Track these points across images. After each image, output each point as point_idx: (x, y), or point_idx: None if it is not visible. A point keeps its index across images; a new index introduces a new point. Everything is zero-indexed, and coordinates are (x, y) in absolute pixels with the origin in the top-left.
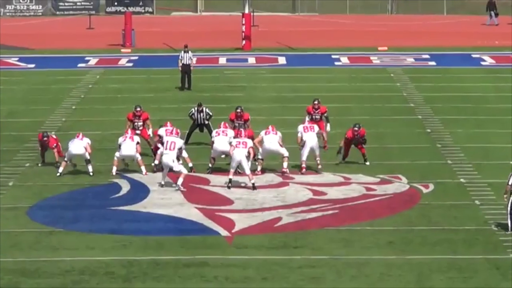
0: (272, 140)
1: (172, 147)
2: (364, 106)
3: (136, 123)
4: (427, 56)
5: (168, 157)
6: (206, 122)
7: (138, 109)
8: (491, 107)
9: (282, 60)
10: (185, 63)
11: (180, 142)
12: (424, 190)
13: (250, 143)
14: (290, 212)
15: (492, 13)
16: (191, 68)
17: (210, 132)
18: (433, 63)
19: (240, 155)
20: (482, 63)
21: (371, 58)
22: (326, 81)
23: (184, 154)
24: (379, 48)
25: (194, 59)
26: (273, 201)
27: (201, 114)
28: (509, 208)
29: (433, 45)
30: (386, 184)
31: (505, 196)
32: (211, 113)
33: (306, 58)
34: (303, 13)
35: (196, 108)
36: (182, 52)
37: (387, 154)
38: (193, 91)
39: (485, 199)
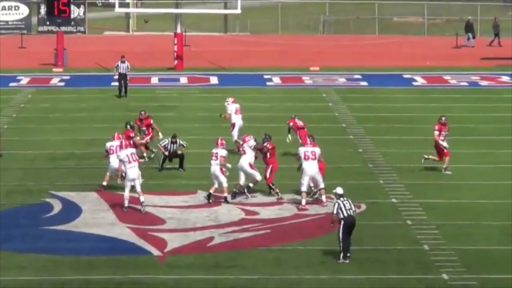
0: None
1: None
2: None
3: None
4: (359, 76)
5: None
6: (179, 152)
7: (143, 112)
8: (423, 127)
9: (214, 80)
10: (121, 72)
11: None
12: (357, 210)
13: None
14: (222, 232)
15: (470, 35)
16: (128, 77)
17: (181, 164)
18: (365, 83)
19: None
20: (414, 83)
21: (303, 78)
22: (259, 101)
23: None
24: (311, 68)
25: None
26: (206, 221)
27: (174, 146)
28: (340, 236)
29: (365, 65)
30: (318, 204)
31: (331, 225)
32: (185, 145)
33: (238, 78)
34: (235, 32)
35: (169, 139)
36: (119, 62)
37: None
38: (126, 111)
39: (417, 219)
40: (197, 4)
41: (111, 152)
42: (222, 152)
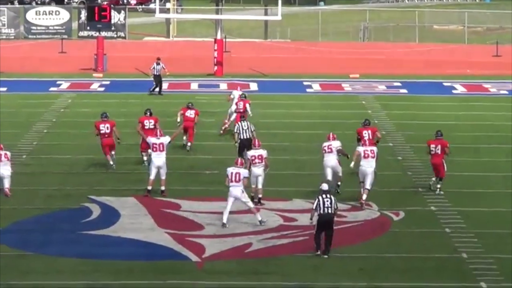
0: None
1: (237, 179)
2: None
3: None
4: (399, 84)
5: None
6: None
7: (190, 104)
8: (462, 135)
9: (254, 86)
10: (155, 74)
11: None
12: (395, 218)
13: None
14: (261, 238)
15: None
16: (162, 78)
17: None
18: (404, 90)
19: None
20: (454, 91)
21: (343, 85)
22: (298, 107)
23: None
24: (351, 75)
25: (165, 69)
26: (244, 227)
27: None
28: (314, 231)
29: (405, 73)
30: (356, 211)
31: (311, 221)
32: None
33: (278, 84)
34: (275, 39)
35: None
36: (155, 63)
37: (358, 181)
38: (165, 116)
39: (455, 227)
40: (238, 10)
41: (154, 149)
42: (264, 152)
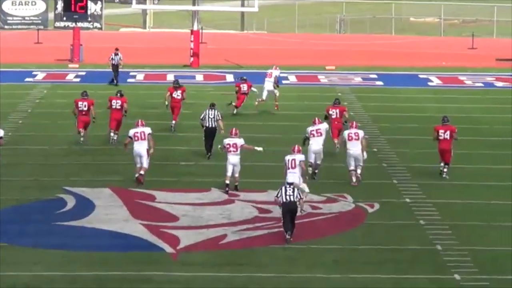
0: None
1: (293, 165)
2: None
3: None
4: (375, 76)
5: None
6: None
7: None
8: None
9: (230, 78)
10: (114, 63)
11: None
12: (370, 210)
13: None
14: (235, 230)
15: None
16: (119, 67)
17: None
18: (380, 82)
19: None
20: (429, 83)
21: (319, 77)
22: (274, 99)
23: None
24: (327, 67)
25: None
26: (219, 218)
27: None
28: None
29: (381, 64)
30: (331, 202)
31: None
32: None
33: (254, 76)
34: (252, 31)
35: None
36: (113, 54)
37: (333, 172)
38: (142, 108)
39: (430, 219)
40: (215, 2)
41: (136, 138)
42: (240, 140)
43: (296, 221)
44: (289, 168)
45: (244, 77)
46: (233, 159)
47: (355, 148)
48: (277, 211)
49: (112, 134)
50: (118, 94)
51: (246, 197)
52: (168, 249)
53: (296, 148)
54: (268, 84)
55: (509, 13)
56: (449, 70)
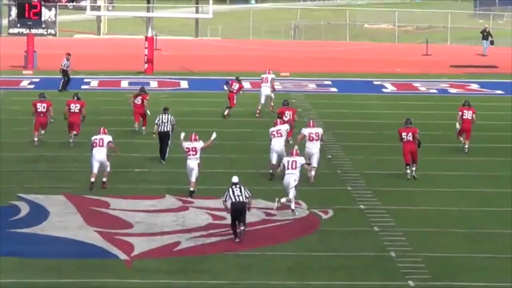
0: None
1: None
2: (263, 131)
3: None
4: (329, 82)
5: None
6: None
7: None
8: (392, 134)
9: (184, 84)
10: (64, 68)
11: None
12: (324, 216)
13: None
14: (190, 237)
15: (486, 42)
16: (68, 72)
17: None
18: (335, 89)
19: None
20: (384, 90)
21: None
22: (270, 102)
23: None
24: (282, 74)
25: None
26: (173, 225)
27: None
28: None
29: (335, 71)
30: (285, 209)
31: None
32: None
33: (208, 82)
34: (206, 37)
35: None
36: (65, 59)
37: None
38: (96, 114)
39: (384, 225)
40: (169, 8)
41: (95, 145)
42: (199, 144)
43: (250, 228)
44: (288, 169)
45: (239, 78)
46: (192, 163)
47: (314, 148)
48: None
49: (72, 136)
50: (75, 98)
51: (200, 204)
52: (122, 256)
53: (295, 151)
54: (265, 89)
55: (462, 19)
56: (404, 77)
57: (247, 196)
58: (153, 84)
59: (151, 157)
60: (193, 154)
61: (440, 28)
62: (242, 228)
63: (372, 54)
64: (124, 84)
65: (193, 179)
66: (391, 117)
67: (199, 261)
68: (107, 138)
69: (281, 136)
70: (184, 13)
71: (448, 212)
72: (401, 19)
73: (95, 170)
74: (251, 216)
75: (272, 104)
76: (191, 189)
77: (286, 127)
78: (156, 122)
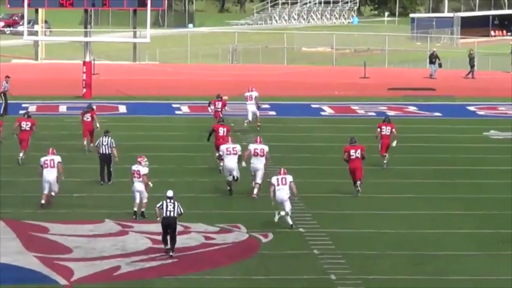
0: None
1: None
2: (205, 155)
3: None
4: (267, 106)
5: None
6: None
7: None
8: (331, 157)
9: (122, 109)
10: (3, 90)
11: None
12: (263, 240)
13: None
14: (130, 261)
15: (433, 65)
16: (7, 94)
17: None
18: (273, 112)
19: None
20: (322, 113)
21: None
22: (167, 129)
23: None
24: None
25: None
26: (112, 250)
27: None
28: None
29: (273, 94)
30: (225, 233)
31: (158, 219)
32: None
33: (147, 106)
34: (144, 61)
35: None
36: (5, 82)
37: (227, 203)
38: (35, 139)
39: (324, 248)
40: (106, 33)
41: (45, 166)
42: (144, 170)
43: (190, 252)
44: (278, 185)
45: (221, 96)
46: (138, 186)
47: (259, 164)
48: None
49: (21, 154)
50: (26, 116)
51: (140, 228)
52: (62, 281)
53: (282, 171)
54: (251, 106)
55: (400, 42)
56: (342, 100)
57: (180, 213)
58: None
59: (89, 181)
60: (137, 177)
61: (377, 51)
62: (171, 246)
63: (310, 77)
64: (62, 109)
65: (145, 200)
66: (330, 140)
67: (139, 286)
68: (57, 158)
69: (236, 154)
70: (122, 38)
71: (387, 234)
72: (339, 42)
73: (46, 191)
74: (191, 240)
75: (259, 123)
76: (141, 209)
77: (239, 147)
78: (96, 144)
